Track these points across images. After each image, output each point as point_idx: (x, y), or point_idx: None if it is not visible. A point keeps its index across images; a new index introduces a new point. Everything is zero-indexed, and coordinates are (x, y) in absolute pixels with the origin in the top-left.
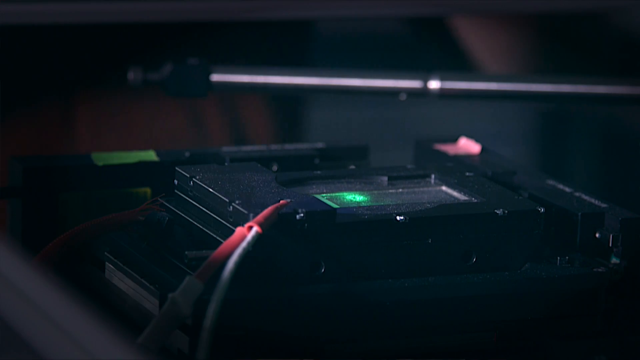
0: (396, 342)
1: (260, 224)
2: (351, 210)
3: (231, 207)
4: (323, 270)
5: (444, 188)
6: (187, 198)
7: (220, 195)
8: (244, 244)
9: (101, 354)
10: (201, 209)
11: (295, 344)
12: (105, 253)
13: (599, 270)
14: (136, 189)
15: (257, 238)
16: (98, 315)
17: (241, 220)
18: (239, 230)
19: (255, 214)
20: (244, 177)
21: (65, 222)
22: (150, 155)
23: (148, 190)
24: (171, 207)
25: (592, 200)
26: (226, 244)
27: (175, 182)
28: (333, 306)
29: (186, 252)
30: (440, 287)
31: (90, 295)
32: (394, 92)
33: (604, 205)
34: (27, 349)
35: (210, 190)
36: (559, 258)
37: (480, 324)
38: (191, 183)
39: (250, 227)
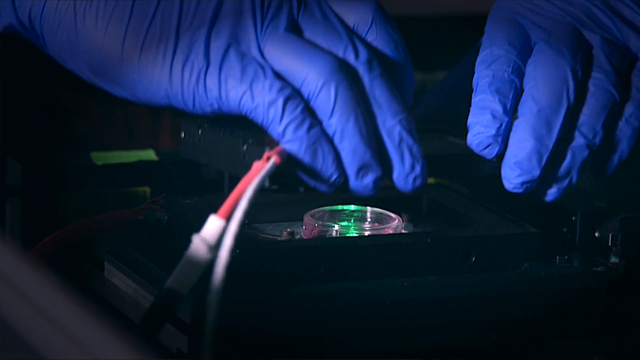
0: (396, 342)
1: (278, 154)
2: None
3: (245, 145)
4: (322, 270)
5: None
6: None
7: (232, 139)
8: (262, 173)
9: (101, 353)
10: (212, 155)
11: (295, 344)
12: (105, 253)
13: (598, 269)
14: (135, 188)
15: (275, 169)
16: (98, 314)
17: (257, 156)
18: (256, 164)
19: (271, 148)
20: (250, 123)
21: (65, 221)
22: (150, 155)
23: (147, 189)
24: (171, 206)
25: (592, 200)
26: (245, 179)
27: (182, 134)
28: (333, 306)
29: (185, 252)
30: (439, 287)
31: (90, 295)
32: None
33: (603, 204)
34: (27, 348)
35: (221, 135)
36: (558, 257)
37: (479, 324)
38: (199, 132)
39: (268, 158)
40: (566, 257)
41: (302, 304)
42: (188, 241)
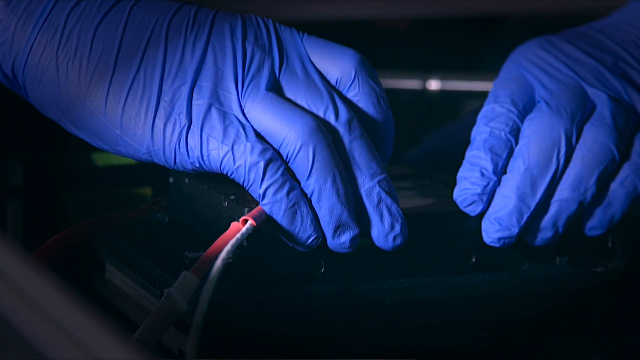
0: (396, 342)
1: (254, 218)
2: None
3: (226, 202)
4: (323, 270)
5: None
6: (183, 195)
7: (215, 192)
8: (238, 236)
9: (101, 353)
10: (196, 206)
11: (295, 344)
12: (106, 253)
13: (598, 270)
14: (136, 188)
15: (251, 231)
16: (99, 314)
17: (236, 213)
18: (234, 224)
19: (250, 209)
20: None
21: (66, 222)
22: None
23: (148, 190)
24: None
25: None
26: (221, 238)
27: (171, 180)
28: (333, 306)
29: (186, 253)
30: (439, 287)
31: (90, 295)
32: (394, 92)
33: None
34: (28, 349)
35: (205, 186)
36: (558, 258)
37: (479, 324)
38: (186, 180)
39: (245, 221)
40: (566, 257)
41: (302, 304)
42: (189, 241)
